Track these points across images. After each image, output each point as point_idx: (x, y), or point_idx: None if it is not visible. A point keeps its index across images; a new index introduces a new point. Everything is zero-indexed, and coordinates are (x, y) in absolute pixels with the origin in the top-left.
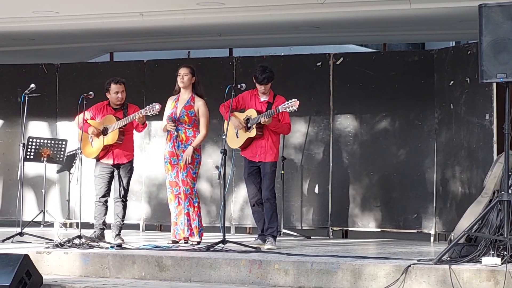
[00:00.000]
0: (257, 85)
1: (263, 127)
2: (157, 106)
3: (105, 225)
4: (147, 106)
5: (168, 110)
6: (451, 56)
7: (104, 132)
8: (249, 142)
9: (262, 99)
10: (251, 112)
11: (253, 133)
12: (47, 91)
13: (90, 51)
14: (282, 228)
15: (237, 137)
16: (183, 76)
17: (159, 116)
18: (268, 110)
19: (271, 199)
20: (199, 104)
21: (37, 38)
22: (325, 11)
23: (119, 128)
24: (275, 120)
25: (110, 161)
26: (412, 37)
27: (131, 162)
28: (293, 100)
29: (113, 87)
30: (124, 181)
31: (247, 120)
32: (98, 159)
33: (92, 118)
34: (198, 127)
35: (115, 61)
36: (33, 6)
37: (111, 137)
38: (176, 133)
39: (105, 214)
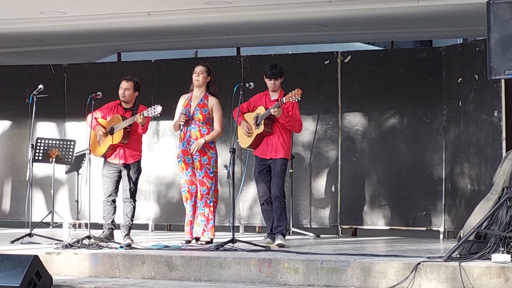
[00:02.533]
0: (267, 81)
1: (272, 124)
2: (158, 109)
3: (114, 225)
4: (149, 108)
5: (179, 108)
6: (459, 53)
7: (111, 131)
8: (259, 140)
9: (272, 98)
10: (260, 110)
11: (261, 129)
12: (55, 92)
13: (98, 51)
14: (291, 227)
15: (248, 136)
16: (199, 73)
17: (167, 115)
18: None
19: (280, 197)
20: (213, 103)
21: (44, 39)
22: (333, 9)
23: (125, 128)
24: (284, 113)
25: (117, 161)
26: (420, 34)
27: (138, 162)
28: (295, 90)
29: (121, 83)
30: (132, 181)
31: (256, 117)
32: (105, 158)
33: (103, 117)
34: (212, 125)
35: (122, 61)
36: (41, 7)
37: (117, 137)
38: (189, 132)
39: (114, 213)
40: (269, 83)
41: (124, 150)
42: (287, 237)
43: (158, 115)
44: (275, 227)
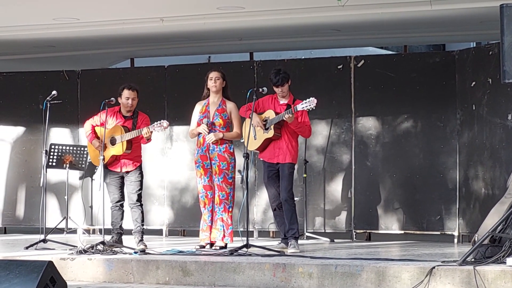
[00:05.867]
0: (274, 88)
1: (281, 128)
2: (164, 124)
3: (123, 230)
4: (155, 123)
5: (196, 115)
6: (472, 57)
7: (112, 142)
8: (267, 143)
9: (281, 102)
10: (269, 113)
11: (270, 133)
12: (69, 98)
13: (111, 57)
14: (305, 232)
15: (255, 139)
16: (215, 80)
17: (181, 121)
18: (288, 109)
19: (289, 200)
20: (231, 107)
21: (58, 45)
22: (346, 13)
23: (128, 140)
24: (295, 119)
25: (118, 169)
26: (433, 38)
27: (139, 168)
28: (311, 98)
29: (125, 93)
30: (135, 187)
31: (265, 121)
32: (106, 166)
33: (102, 124)
34: (231, 130)
35: (136, 67)
36: (54, 13)
37: (119, 149)
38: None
39: (122, 218)
40: (277, 90)
41: (124, 160)
42: (301, 241)
43: (164, 131)
44: (287, 230)
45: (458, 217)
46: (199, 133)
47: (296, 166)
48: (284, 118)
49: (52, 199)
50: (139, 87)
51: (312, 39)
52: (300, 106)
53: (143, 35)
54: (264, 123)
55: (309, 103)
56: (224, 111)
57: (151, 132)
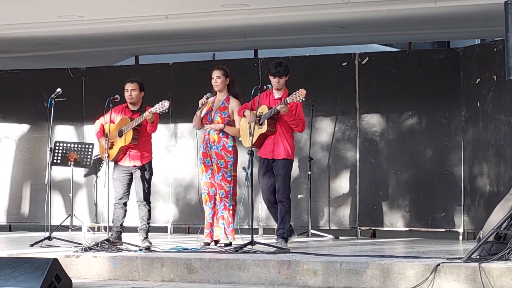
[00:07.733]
0: (271, 79)
1: (275, 123)
2: (166, 104)
3: (123, 228)
4: (157, 104)
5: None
6: (477, 54)
7: (120, 134)
8: (262, 139)
9: (276, 97)
10: (263, 109)
11: (264, 128)
12: (73, 95)
13: (116, 54)
14: (310, 229)
15: (251, 135)
16: (216, 79)
17: (185, 118)
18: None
19: (284, 201)
20: (234, 105)
21: (62, 43)
22: (350, 10)
23: (134, 128)
24: (289, 112)
25: (127, 163)
26: (437, 35)
27: (149, 163)
28: (299, 89)
29: (126, 86)
30: (144, 183)
31: (260, 116)
32: (116, 161)
33: (111, 121)
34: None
35: (140, 64)
36: (58, 11)
37: (127, 138)
38: (208, 135)
39: (124, 217)
40: (273, 81)
41: (134, 152)
42: (305, 238)
43: (166, 110)
44: (277, 229)
45: (463, 214)
46: (203, 124)
47: (296, 163)
48: (278, 109)
49: (57, 197)
50: (143, 83)
51: (317, 37)
52: (290, 98)
53: (148, 33)
54: (258, 118)
55: (298, 94)
56: (225, 109)
57: (154, 113)
